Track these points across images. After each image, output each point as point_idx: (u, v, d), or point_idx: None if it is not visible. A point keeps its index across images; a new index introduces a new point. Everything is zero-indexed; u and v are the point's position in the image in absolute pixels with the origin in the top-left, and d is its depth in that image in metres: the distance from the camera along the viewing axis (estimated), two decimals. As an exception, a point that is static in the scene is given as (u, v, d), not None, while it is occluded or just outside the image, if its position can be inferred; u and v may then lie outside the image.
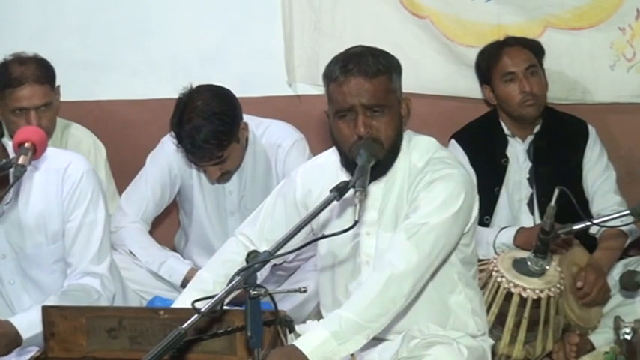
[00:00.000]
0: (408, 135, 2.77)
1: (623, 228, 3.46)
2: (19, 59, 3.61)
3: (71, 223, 2.96)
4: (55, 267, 3.00)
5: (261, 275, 2.94)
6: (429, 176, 2.69)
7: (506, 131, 3.75)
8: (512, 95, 3.66)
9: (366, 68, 2.62)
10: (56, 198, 2.95)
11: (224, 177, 3.66)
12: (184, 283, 3.62)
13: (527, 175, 3.72)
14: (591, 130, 3.74)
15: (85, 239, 2.97)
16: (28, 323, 2.77)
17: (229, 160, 3.56)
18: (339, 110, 2.65)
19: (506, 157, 3.73)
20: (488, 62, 3.73)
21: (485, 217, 3.65)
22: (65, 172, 2.95)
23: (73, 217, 2.96)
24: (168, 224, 4.17)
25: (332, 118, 2.69)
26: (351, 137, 2.63)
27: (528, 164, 3.73)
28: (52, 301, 2.81)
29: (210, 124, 3.43)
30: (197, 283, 2.87)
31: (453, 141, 3.77)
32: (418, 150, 2.75)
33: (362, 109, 2.61)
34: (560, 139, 3.72)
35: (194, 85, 3.56)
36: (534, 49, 3.72)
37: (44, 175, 2.95)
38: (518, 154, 3.74)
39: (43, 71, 3.61)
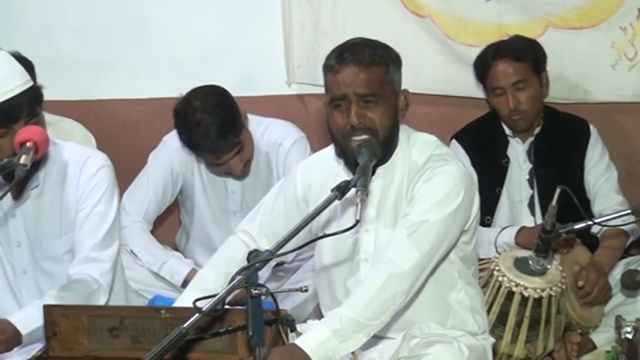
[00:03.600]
0: (407, 131, 2.78)
1: (624, 227, 3.46)
2: None
3: (82, 212, 2.99)
4: (66, 258, 3.01)
5: (263, 275, 2.94)
6: (429, 172, 2.69)
7: (506, 131, 3.74)
8: (500, 108, 3.65)
9: (360, 58, 2.62)
10: (72, 188, 2.98)
11: (247, 168, 3.68)
12: (185, 284, 3.63)
13: (527, 176, 3.72)
14: (593, 129, 3.73)
15: (92, 227, 2.99)
16: (26, 319, 2.78)
17: (246, 147, 3.60)
18: (333, 99, 2.66)
19: (507, 158, 3.72)
20: (482, 71, 3.69)
21: (487, 217, 3.65)
22: (84, 164, 3.00)
23: (85, 206, 2.99)
24: (169, 223, 4.17)
25: (328, 108, 2.69)
26: (344, 127, 2.64)
27: (528, 165, 3.72)
28: (51, 296, 2.83)
29: (216, 117, 3.48)
30: (198, 283, 2.87)
31: (453, 141, 3.76)
32: (418, 146, 2.76)
33: (355, 98, 2.61)
34: (561, 139, 3.70)
35: (183, 93, 3.59)
36: (530, 58, 3.62)
37: (64, 167, 2.99)
38: (518, 154, 3.73)
39: None
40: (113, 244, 3.03)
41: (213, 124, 3.46)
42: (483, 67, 3.67)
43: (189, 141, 3.55)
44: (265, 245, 2.82)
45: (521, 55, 3.60)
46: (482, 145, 3.74)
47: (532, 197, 3.71)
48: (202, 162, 3.76)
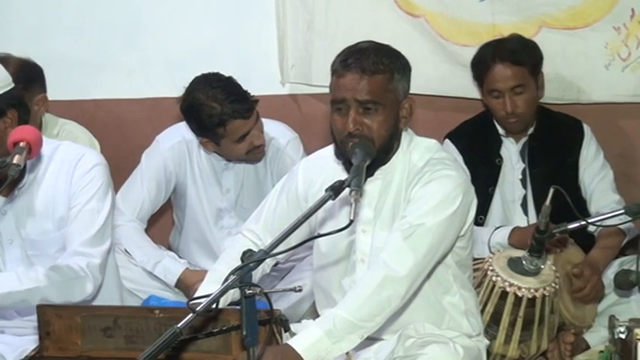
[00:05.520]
0: (409, 135, 2.78)
1: (621, 226, 3.45)
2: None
3: (74, 209, 2.97)
4: (59, 255, 2.99)
5: (261, 275, 2.95)
6: (428, 176, 2.69)
7: (500, 131, 3.74)
8: (496, 109, 3.64)
9: (364, 65, 2.62)
10: (65, 185, 2.97)
11: (262, 150, 3.67)
12: (178, 284, 3.64)
13: (520, 176, 3.72)
14: (586, 128, 3.72)
15: (83, 223, 2.97)
16: (3, 281, 2.80)
17: (259, 122, 3.62)
18: (333, 101, 2.68)
19: (501, 157, 3.73)
20: (480, 71, 3.67)
21: (480, 216, 3.65)
22: (78, 161, 2.99)
23: (77, 203, 2.97)
24: (163, 223, 4.17)
25: (330, 108, 2.70)
26: (342, 131, 2.65)
27: (521, 165, 3.72)
28: (38, 272, 2.84)
29: (227, 84, 3.55)
30: (215, 276, 2.82)
31: (447, 140, 3.76)
32: (419, 150, 2.76)
33: (354, 104, 2.62)
34: (555, 139, 3.70)
35: (179, 93, 3.59)
36: (529, 62, 3.60)
37: (58, 165, 2.98)
38: (511, 154, 3.73)
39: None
40: (104, 243, 3.01)
41: (227, 89, 3.52)
42: (482, 67, 3.65)
43: (215, 116, 3.51)
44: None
45: (520, 59, 3.58)
46: (476, 145, 3.74)
47: (525, 197, 3.71)
48: (211, 153, 3.73)
